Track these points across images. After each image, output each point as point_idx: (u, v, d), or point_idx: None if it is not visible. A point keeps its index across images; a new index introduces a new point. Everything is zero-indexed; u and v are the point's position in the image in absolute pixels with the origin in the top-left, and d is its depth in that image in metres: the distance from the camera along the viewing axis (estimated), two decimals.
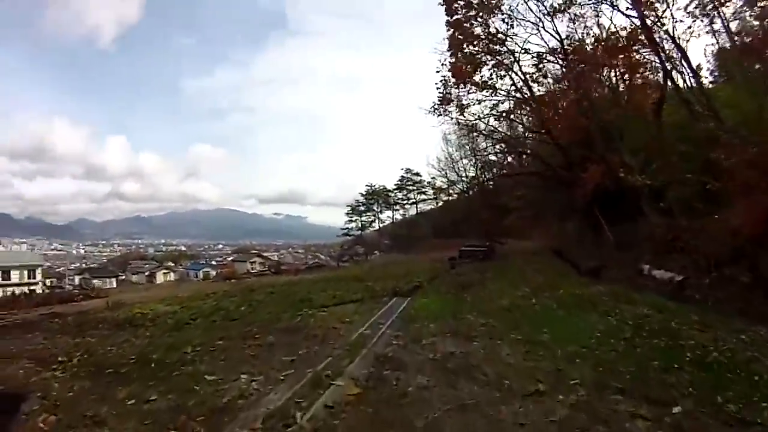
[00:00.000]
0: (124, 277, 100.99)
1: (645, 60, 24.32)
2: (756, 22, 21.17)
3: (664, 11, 21.50)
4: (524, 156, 39.54)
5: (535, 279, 20.70)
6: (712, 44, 25.65)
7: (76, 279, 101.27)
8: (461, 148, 56.76)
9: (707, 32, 23.57)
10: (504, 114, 30.19)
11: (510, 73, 27.62)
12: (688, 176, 18.12)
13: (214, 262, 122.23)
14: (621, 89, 27.27)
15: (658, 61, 22.58)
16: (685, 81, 22.47)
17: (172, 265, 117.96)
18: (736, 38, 23.61)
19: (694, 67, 22.53)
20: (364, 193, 79.76)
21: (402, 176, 77.01)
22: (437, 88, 28.71)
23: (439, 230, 65.53)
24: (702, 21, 22.15)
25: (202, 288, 37.09)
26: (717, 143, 16.72)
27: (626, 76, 25.87)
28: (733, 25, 23.25)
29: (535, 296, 16.12)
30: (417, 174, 75.57)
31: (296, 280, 31.00)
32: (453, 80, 27.84)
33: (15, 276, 72.02)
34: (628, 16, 22.87)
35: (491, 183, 57.01)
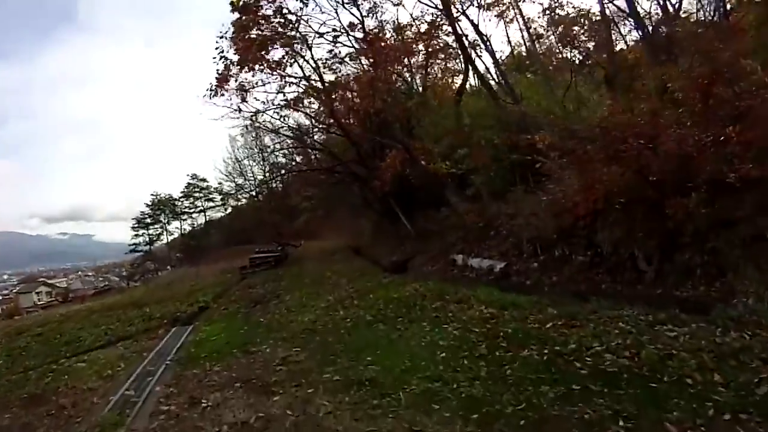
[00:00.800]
0: None
1: (446, 47, 23.46)
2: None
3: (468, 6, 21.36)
4: (313, 152, 36.74)
5: (337, 283, 18.26)
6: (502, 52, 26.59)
7: None
8: (248, 149, 53.55)
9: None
10: (291, 102, 25.83)
11: (300, 59, 24.32)
12: (514, 157, 16.98)
13: (0, 297, 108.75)
14: (421, 76, 25.74)
15: (459, 49, 21.83)
16: (488, 71, 22.47)
17: None
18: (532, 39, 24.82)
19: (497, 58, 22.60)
20: (149, 203, 71.46)
21: (188, 183, 69.60)
22: (216, 70, 23.99)
23: (231, 238, 60.64)
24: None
25: None
26: (522, 128, 16.38)
27: (428, 62, 24.37)
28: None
29: (343, 306, 13.45)
30: (204, 180, 68.61)
31: (73, 312, 25.39)
32: (236, 61, 23.48)
33: None
34: (431, 5, 21.78)
35: (280, 185, 54.30)
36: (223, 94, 24.05)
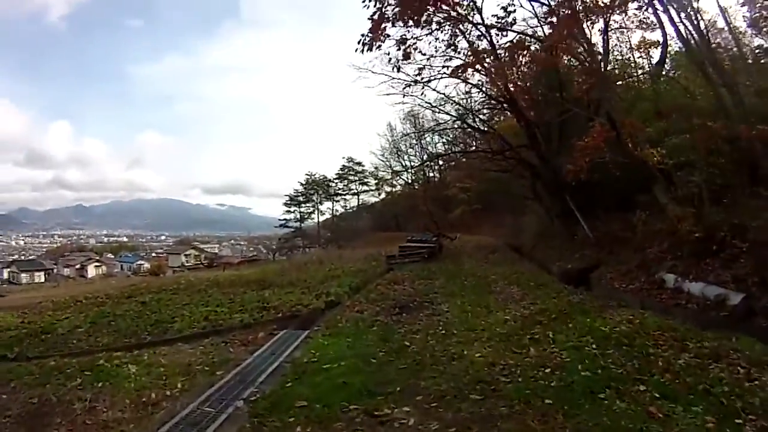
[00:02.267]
0: (55, 269, 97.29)
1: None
2: None
3: None
4: (474, 137, 33.78)
5: (508, 293, 14.71)
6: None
7: (5, 273, 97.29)
8: (405, 135, 54.36)
9: None
10: (458, 70, 22.20)
11: (465, 23, 21.08)
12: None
13: (154, 254, 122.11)
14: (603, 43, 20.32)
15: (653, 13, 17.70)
16: (695, 43, 17.06)
17: (112, 257, 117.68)
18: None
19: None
20: (303, 182, 75.05)
21: (343, 165, 72.66)
22: (367, 6, 19.72)
23: (381, 223, 62.02)
24: None
25: (108, 286, 30.16)
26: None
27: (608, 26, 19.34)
28: None
29: (533, 338, 8.99)
30: (359, 163, 71.39)
31: (198, 281, 24.38)
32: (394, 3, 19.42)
33: None
34: None
35: (437, 174, 54.13)
36: (379, 46, 20.55)
